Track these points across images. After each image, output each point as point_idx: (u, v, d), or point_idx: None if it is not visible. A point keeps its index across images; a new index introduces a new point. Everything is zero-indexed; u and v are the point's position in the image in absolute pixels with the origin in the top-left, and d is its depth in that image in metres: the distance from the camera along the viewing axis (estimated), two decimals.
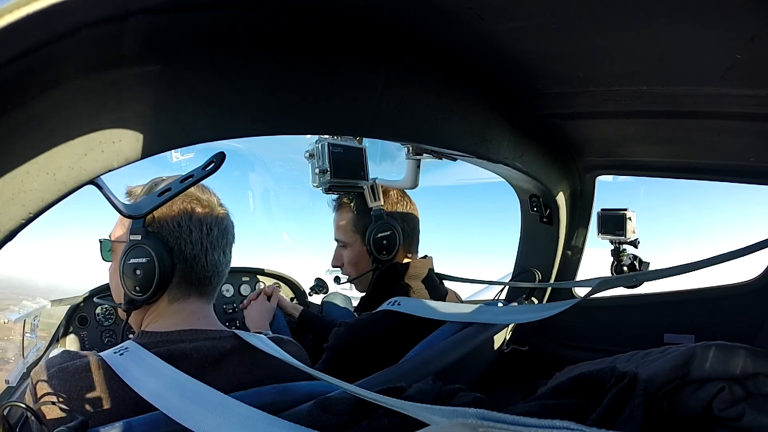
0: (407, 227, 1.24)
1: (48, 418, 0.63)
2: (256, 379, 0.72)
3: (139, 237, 0.78)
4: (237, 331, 0.81)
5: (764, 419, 0.56)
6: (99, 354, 0.71)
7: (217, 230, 0.83)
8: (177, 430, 0.58)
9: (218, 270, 0.84)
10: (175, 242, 0.79)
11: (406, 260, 1.26)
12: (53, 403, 0.63)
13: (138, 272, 0.77)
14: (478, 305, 1.18)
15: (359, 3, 0.64)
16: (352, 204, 1.26)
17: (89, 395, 0.66)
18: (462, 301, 1.40)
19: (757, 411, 0.56)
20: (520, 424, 0.32)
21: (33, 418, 0.55)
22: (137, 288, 0.77)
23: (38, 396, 0.65)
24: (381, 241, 1.19)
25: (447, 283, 1.36)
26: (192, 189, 0.84)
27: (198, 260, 0.80)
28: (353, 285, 1.33)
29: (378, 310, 1.11)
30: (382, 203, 1.23)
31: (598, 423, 0.56)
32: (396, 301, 1.09)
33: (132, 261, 0.77)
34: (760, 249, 0.76)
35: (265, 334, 0.86)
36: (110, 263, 0.88)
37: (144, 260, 0.77)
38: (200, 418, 0.57)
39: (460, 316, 1.07)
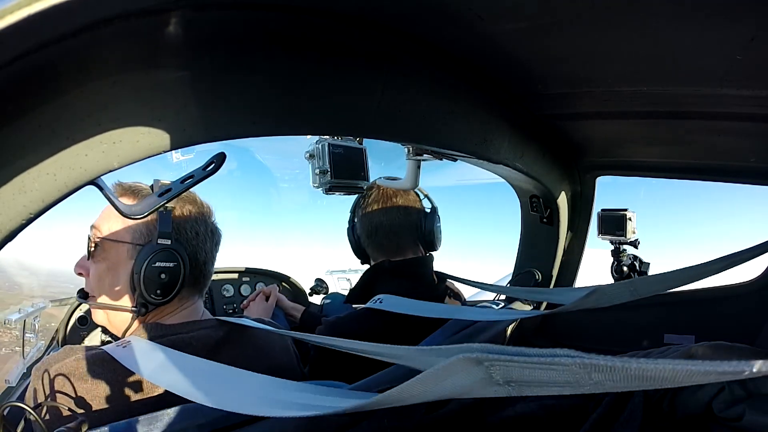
0: (372, 231, 1.28)
1: (56, 413, 0.63)
2: (254, 368, 0.74)
3: (168, 242, 0.79)
4: (221, 318, 0.87)
5: (764, 419, 0.56)
6: (102, 348, 0.72)
7: (217, 238, 0.91)
8: (177, 430, 0.58)
9: (211, 274, 0.92)
10: (192, 249, 0.83)
11: (398, 258, 1.26)
12: (65, 395, 0.65)
13: (163, 276, 0.77)
14: (459, 306, 1.18)
15: (359, 3, 0.64)
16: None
17: (98, 387, 0.67)
18: (463, 301, 1.40)
19: (757, 411, 0.56)
20: (523, 355, 0.34)
21: (34, 417, 0.55)
22: (159, 291, 0.78)
23: (46, 391, 0.66)
24: (353, 246, 1.33)
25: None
26: (196, 196, 0.89)
27: (206, 266, 0.87)
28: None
29: (360, 308, 1.13)
30: (353, 218, 1.35)
31: (598, 423, 0.56)
32: (379, 299, 1.11)
33: (158, 264, 0.77)
34: (761, 253, 0.76)
35: (248, 318, 0.93)
36: (99, 263, 0.82)
37: (172, 265, 0.78)
38: (211, 392, 0.58)
39: (442, 314, 1.07)
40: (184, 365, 0.65)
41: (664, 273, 0.88)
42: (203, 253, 0.86)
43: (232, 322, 0.87)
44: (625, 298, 0.85)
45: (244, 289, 1.92)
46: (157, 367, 0.65)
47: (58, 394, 0.66)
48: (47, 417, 0.63)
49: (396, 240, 1.26)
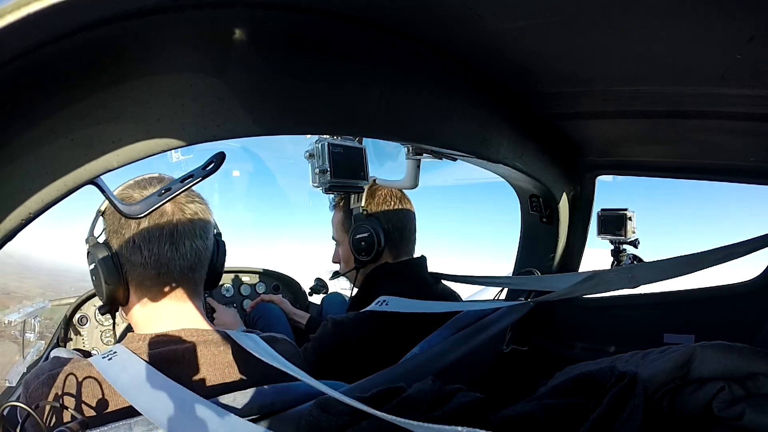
0: (392, 228, 1.23)
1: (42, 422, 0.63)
2: (256, 380, 0.72)
3: (89, 245, 0.79)
4: (229, 332, 0.80)
5: (764, 419, 0.56)
6: (87, 359, 0.71)
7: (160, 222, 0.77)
8: None
9: (175, 265, 0.77)
10: (116, 243, 0.77)
11: (399, 259, 1.26)
12: (47, 408, 0.64)
13: (94, 278, 0.78)
14: (461, 302, 1.18)
15: (359, 3, 0.64)
16: (341, 204, 1.30)
17: (79, 400, 0.66)
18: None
19: (757, 411, 0.56)
20: None
21: (32, 418, 0.55)
22: (101, 293, 0.78)
23: (30, 403, 0.66)
24: (359, 243, 1.22)
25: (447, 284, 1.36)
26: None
27: (144, 258, 0.75)
28: (351, 283, 1.34)
29: (365, 309, 1.12)
30: (363, 204, 1.24)
31: (598, 422, 0.56)
32: (384, 301, 1.10)
33: (90, 268, 0.78)
34: (757, 249, 0.76)
35: (257, 334, 0.86)
36: None
37: (93, 266, 0.77)
38: (178, 422, 0.58)
39: (445, 308, 1.08)
40: (155, 385, 0.64)
41: (663, 260, 0.87)
42: (131, 245, 0.77)
43: (235, 338, 0.79)
44: (624, 286, 0.85)
45: (244, 289, 1.92)
46: (131, 385, 0.64)
47: (44, 402, 0.65)
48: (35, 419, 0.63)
49: (411, 239, 1.27)
